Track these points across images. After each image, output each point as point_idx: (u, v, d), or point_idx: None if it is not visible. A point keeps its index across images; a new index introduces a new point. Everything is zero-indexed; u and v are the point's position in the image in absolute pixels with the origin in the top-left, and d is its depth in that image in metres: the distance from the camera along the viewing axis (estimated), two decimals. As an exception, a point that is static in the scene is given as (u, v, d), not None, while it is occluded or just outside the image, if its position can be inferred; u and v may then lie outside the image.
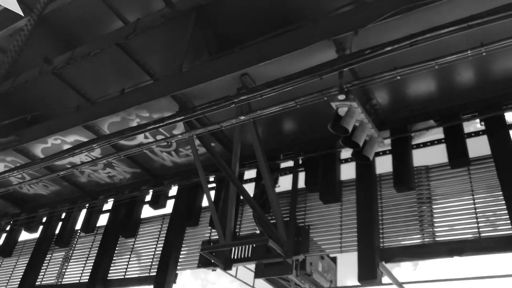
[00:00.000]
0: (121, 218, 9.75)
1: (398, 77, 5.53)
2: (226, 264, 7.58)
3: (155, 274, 8.45)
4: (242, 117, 6.60)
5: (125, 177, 9.96)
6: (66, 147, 9.03)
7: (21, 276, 10.47)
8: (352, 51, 5.86)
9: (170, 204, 9.51)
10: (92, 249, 9.90)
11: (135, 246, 9.27)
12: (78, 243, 10.29)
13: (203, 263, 7.94)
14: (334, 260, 8.61)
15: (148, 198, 9.91)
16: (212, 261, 7.83)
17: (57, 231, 10.91)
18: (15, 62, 11.55)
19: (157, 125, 7.11)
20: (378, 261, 6.26)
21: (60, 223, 10.94)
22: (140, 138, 8.62)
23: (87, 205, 10.43)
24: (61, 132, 8.67)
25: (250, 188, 8.68)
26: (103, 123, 8.37)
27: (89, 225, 10.08)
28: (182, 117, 6.90)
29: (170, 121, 7.00)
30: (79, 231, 10.53)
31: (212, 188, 9.20)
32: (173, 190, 9.57)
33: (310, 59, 6.42)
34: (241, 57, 6.80)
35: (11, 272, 10.99)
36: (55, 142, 9.05)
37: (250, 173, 8.80)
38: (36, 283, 10.19)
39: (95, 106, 8.47)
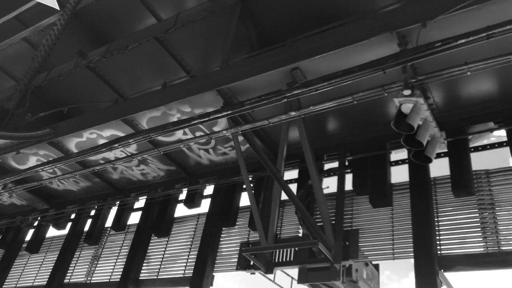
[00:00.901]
0: (153, 217, 9.48)
1: (469, 73, 5.17)
2: (268, 267, 7.25)
3: (190, 275, 8.15)
4: (293, 113, 6.30)
5: (159, 175, 9.71)
6: (101, 142, 8.83)
7: (49, 273, 10.27)
8: (417, 45, 5.51)
9: (204, 203, 9.25)
10: (122, 247, 9.65)
11: (168, 245, 8.98)
12: (108, 241, 10.05)
13: (242, 265, 7.61)
14: (376, 267, 8.20)
15: (181, 197, 9.65)
16: (252, 263, 7.56)
17: (86, 229, 10.71)
18: (48, 56, 11.45)
19: (202, 120, 6.84)
20: (437, 269, 5.87)
21: (89, 220, 10.73)
22: (178, 135, 8.37)
23: (118, 202, 10.20)
24: (98, 126, 8.46)
25: (290, 189, 8.37)
26: (142, 117, 8.14)
27: (120, 223, 9.84)
28: (229, 112, 6.62)
29: (216, 116, 6.74)
30: (109, 229, 10.30)
31: (245, 189, 8.91)
32: (209, 189, 9.30)
33: (365, 53, 6.11)
34: (293, 50, 6.50)
35: (38, 269, 10.79)
36: (91, 136, 8.84)
37: (290, 174, 8.47)
38: (65, 281, 9.96)
39: (136, 100, 8.23)
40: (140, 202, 10.23)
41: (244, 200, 8.77)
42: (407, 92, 5.26)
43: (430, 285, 5.75)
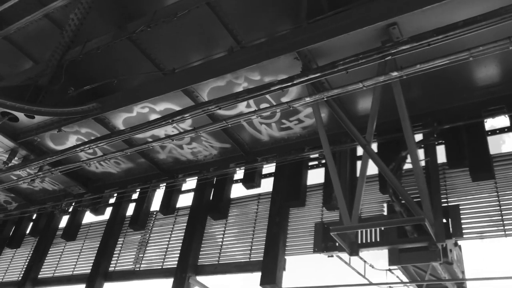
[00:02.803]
0: (208, 199, 8.80)
1: None
2: (352, 249, 6.59)
3: (257, 259, 7.49)
4: (395, 73, 5.58)
5: (211, 154, 8.99)
6: (153, 117, 8.11)
7: (90, 261, 9.60)
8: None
9: (263, 183, 8.56)
10: (173, 232, 8.96)
11: (227, 228, 8.30)
12: (155, 225, 9.36)
13: (320, 247, 6.94)
14: (460, 248, 7.57)
15: (236, 176, 8.95)
16: (330, 245, 6.92)
17: (128, 213, 10.02)
18: (78, 31, 10.63)
19: (284, 85, 6.11)
20: None
21: (132, 204, 10.03)
22: (241, 107, 7.66)
23: (164, 184, 9.49)
24: (152, 98, 7.73)
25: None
26: (204, 88, 7.40)
27: (170, 206, 9.14)
28: (318, 74, 5.89)
29: (302, 80, 6.01)
30: (155, 212, 9.61)
31: (312, 167, 8.24)
32: (268, 168, 8.59)
33: (472, 7, 5.41)
34: (392, 3, 5.76)
35: (77, 256, 10.11)
36: (142, 111, 8.10)
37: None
38: (110, 269, 9.28)
39: (198, 68, 7.48)
40: (187, 184, 9.54)
41: (311, 178, 8.10)
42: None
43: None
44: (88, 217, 10.89)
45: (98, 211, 10.36)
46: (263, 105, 7.42)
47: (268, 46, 6.58)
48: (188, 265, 7.94)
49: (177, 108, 7.82)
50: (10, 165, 9.11)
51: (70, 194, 10.93)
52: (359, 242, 6.69)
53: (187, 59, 9.07)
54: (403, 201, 6.33)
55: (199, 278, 7.97)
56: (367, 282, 7.84)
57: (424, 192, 5.95)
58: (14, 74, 12.05)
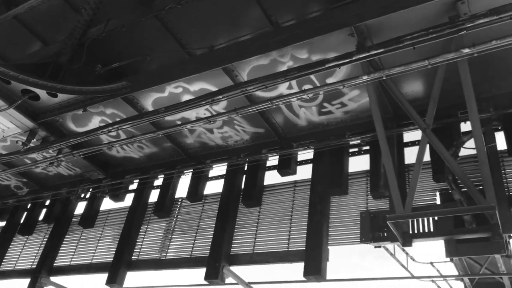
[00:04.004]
0: (239, 186, 8.38)
1: None
2: (405, 239, 6.21)
3: (296, 249, 7.12)
4: (466, 50, 5.19)
5: (242, 139, 8.56)
6: (186, 98, 7.66)
7: (110, 249, 9.18)
8: None
9: (299, 170, 8.16)
10: (201, 219, 8.54)
11: (261, 216, 7.90)
12: (181, 213, 8.93)
13: (367, 237, 6.57)
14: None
15: (269, 163, 8.53)
16: (378, 235, 6.56)
17: (150, 200, 9.58)
18: (98, 10, 10.11)
19: (340, 62, 5.72)
20: None
21: (154, 191, 9.61)
22: (281, 88, 7.24)
23: (191, 170, 9.05)
24: (188, 77, 7.28)
25: (410, 153, 7.33)
26: (245, 67, 6.97)
27: (197, 193, 8.71)
28: (381, 50, 5.50)
29: (360, 56, 5.62)
30: (180, 199, 9.17)
31: (353, 153, 7.85)
32: (303, 154, 8.17)
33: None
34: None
35: (96, 244, 9.66)
36: (175, 91, 7.65)
37: (410, 136, 7.38)
38: (133, 257, 8.85)
39: (240, 44, 7.04)
40: (214, 171, 9.11)
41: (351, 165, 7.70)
42: None
43: None
44: (105, 204, 10.45)
45: (118, 197, 9.91)
46: (305, 86, 7.03)
47: (322, 21, 6.15)
48: (222, 254, 7.54)
49: (213, 89, 7.40)
50: (29, 146, 8.62)
51: (87, 180, 10.46)
52: (411, 232, 6.34)
53: (214, 41, 8.62)
54: (463, 189, 5.96)
55: (233, 268, 7.57)
56: (409, 275, 7.51)
57: (488, 179, 5.57)
58: (26, 54, 11.55)
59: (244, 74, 7.10)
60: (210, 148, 8.92)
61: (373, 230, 6.60)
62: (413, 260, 7.79)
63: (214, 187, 9.07)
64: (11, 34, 11.77)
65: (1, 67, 7.70)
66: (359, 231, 6.85)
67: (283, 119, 7.99)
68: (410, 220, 6.25)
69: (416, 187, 5.91)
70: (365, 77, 5.79)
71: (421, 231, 6.26)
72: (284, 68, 6.79)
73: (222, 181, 8.89)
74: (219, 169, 9.04)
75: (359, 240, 6.81)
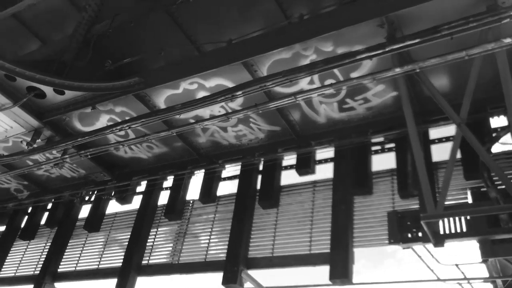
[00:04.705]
0: (254, 186, 8.06)
1: None
2: (437, 239, 5.94)
3: (319, 251, 6.81)
4: (507, 40, 4.93)
5: (257, 137, 8.24)
6: (201, 94, 7.34)
7: (119, 253, 8.80)
8: None
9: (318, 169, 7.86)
10: (215, 222, 8.20)
11: (279, 218, 7.58)
12: (193, 215, 8.58)
13: (396, 238, 6.29)
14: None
15: (285, 163, 8.23)
16: (407, 236, 6.28)
17: (159, 202, 9.22)
18: (102, 5, 9.76)
19: (373, 53, 5.45)
20: None
21: (163, 192, 9.25)
22: (302, 84, 6.94)
23: (203, 171, 8.71)
24: (204, 73, 6.96)
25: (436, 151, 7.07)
26: (265, 61, 6.67)
27: (211, 194, 8.37)
28: (416, 40, 5.24)
29: (393, 47, 5.35)
30: (191, 201, 8.83)
31: (376, 151, 7.57)
32: (322, 153, 7.88)
33: None
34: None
35: (102, 249, 9.27)
36: (190, 87, 7.33)
37: (436, 133, 7.12)
38: (143, 262, 8.47)
39: (259, 38, 6.72)
40: (227, 171, 8.78)
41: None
42: None
43: None
44: (111, 207, 10.07)
45: (125, 199, 9.53)
46: (328, 81, 6.75)
47: (350, 11, 5.87)
48: (240, 257, 7.20)
49: (230, 85, 7.08)
50: (34, 146, 8.23)
51: (92, 182, 10.07)
52: (441, 233, 6.07)
53: (226, 36, 8.31)
54: (499, 187, 5.70)
55: (251, 272, 7.23)
56: (436, 278, 7.21)
57: (529, 176, 5.33)
58: (24, 53, 11.14)
59: (263, 68, 6.80)
60: (223, 147, 8.59)
61: (402, 231, 6.33)
62: (438, 261, 7.51)
63: (226, 188, 8.75)
64: (9, 32, 11.36)
65: (7, 63, 7.33)
66: (384, 232, 6.59)
67: (301, 116, 7.70)
68: (441, 220, 5.99)
69: (449, 184, 5.65)
70: (397, 70, 5.53)
71: (452, 231, 6.00)
72: (306, 62, 6.50)
73: (233, 182, 8.59)
74: (231, 169, 8.73)
75: (385, 241, 6.55)
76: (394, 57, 5.76)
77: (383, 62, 6.11)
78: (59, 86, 7.53)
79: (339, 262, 6.37)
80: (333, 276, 6.33)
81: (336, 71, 6.61)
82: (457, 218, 6.02)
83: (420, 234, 6.24)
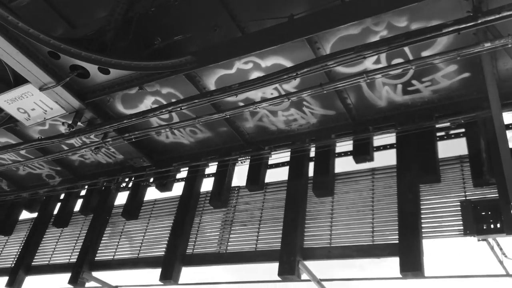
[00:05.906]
0: (306, 174, 7.65)
1: None
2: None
3: (384, 242, 6.40)
4: None
5: (308, 123, 7.81)
6: (255, 75, 6.93)
7: (161, 242, 8.47)
8: None
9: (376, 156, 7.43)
10: (263, 210, 7.82)
11: (335, 207, 7.17)
12: (239, 203, 8.20)
13: (472, 229, 5.85)
14: None
15: (338, 149, 7.80)
16: (480, 227, 5.85)
17: (202, 189, 8.86)
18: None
19: (461, 26, 4.99)
20: None
21: (206, 179, 8.88)
22: (367, 63, 6.49)
23: (249, 157, 8.32)
24: (260, 51, 6.53)
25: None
26: (331, 37, 6.23)
27: (259, 182, 7.98)
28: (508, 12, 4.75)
29: (487, 19, 4.87)
30: (236, 188, 8.45)
31: (442, 137, 7.12)
32: (380, 139, 7.44)
33: None
34: None
35: (142, 237, 8.93)
36: (244, 67, 6.92)
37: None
38: (188, 251, 8.12)
39: (325, 13, 6.26)
40: (274, 157, 8.37)
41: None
42: None
43: None
44: (149, 194, 9.74)
45: (165, 186, 9.18)
46: (395, 61, 6.30)
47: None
48: (296, 247, 6.81)
49: (288, 64, 6.67)
50: (75, 128, 7.88)
51: (129, 167, 9.73)
52: (524, 224, 5.62)
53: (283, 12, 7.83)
54: None
55: (307, 263, 6.84)
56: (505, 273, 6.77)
57: None
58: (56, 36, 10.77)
59: (327, 46, 6.36)
60: (270, 133, 8.18)
61: (477, 221, 5.89)
62: (505, 256, 7.06)
63: (273, 175, 8.35)
64: (36, 15, 11.00)
65: (52, 39, 6.96)
66: (457, 223, 6.15)
67: (360, 99, 7.25)
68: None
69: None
70: (487, 45, 5.05)
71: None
72: (377, 37, 6.05)
73: (282, 169, 8.19)
74: (278, 156, 8.32)
75: (458, 232, 6.11)
76: (480, 32, 5.30)
77: (457, 39, 5.66)
78: (106, 65, 7.16)
79: (410, 254, 5.95)
80: (404, 269, 5.91)
81: (406, 49, 6.18)
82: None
83: (498, 225, 5.81)
